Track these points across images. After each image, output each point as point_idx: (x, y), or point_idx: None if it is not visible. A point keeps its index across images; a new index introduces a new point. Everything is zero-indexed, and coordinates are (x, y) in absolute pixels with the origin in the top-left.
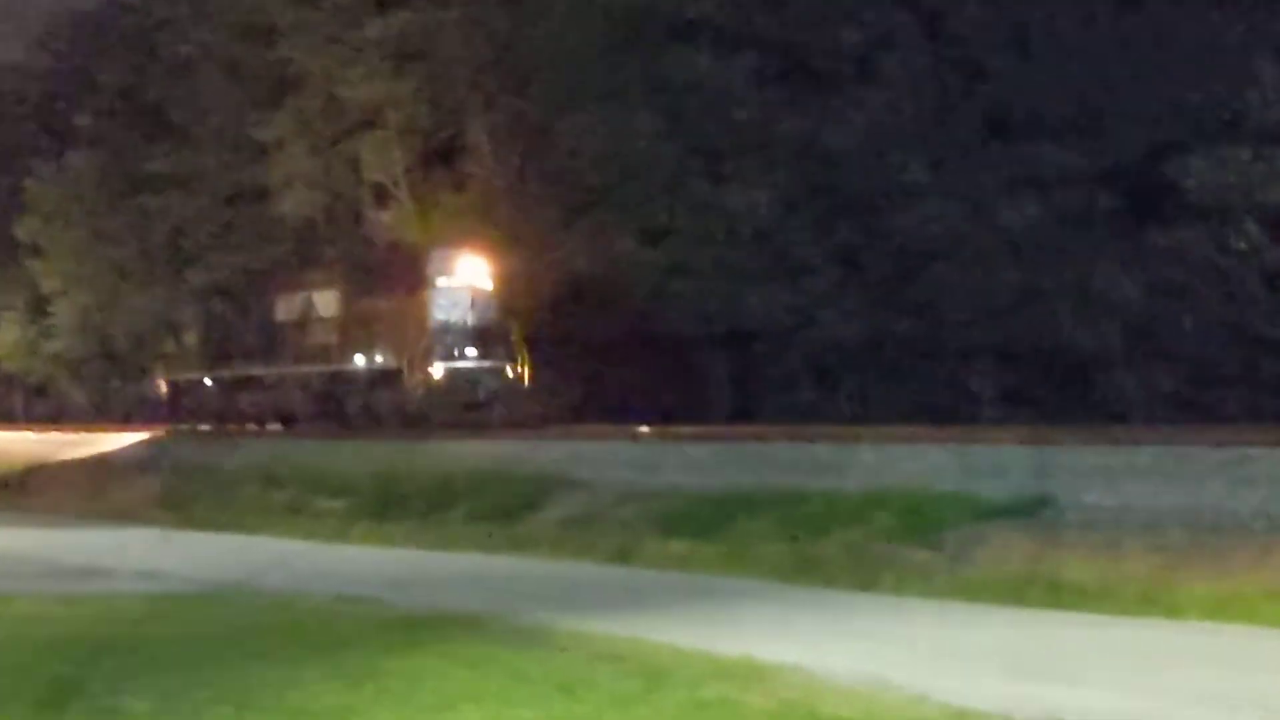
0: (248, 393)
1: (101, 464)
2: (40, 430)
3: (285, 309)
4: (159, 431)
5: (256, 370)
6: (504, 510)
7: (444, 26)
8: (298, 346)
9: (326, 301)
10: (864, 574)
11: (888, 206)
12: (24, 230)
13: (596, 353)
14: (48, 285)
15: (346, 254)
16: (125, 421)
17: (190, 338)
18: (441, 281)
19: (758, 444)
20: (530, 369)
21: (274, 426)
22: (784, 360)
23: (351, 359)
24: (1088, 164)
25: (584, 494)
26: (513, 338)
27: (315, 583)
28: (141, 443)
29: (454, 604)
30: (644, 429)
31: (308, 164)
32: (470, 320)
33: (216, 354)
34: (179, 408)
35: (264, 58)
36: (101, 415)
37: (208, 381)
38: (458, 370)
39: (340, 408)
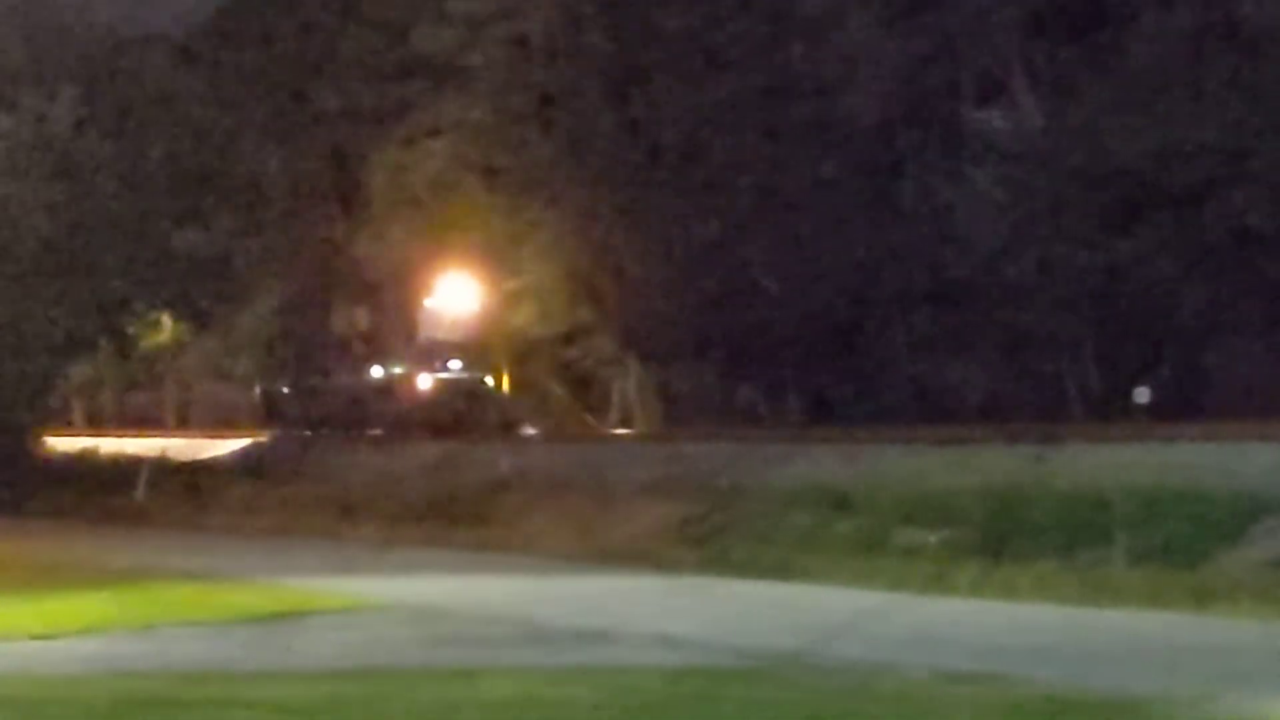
0: (311, 402)
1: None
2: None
3: (337, 321)
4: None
5: (315, 381)
6: (1184, 547)
7: None
8: (342, 359)
9: (359, 316)
10: None
11: None
12: None
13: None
14: (506, 225)
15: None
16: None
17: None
18: (428, 302)
19: None
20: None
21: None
22: None
23: (369, 371)
24: None
25: None
26: (491, 354)
27: (905, 652)
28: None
29: (1114, 682)
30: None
31: (878, 44)
32: (452, 337)
33: (291, 363)
34: (275, 416)
35: None
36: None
37: (285, 390)
38: (439, 381)
39: (363, 416)
